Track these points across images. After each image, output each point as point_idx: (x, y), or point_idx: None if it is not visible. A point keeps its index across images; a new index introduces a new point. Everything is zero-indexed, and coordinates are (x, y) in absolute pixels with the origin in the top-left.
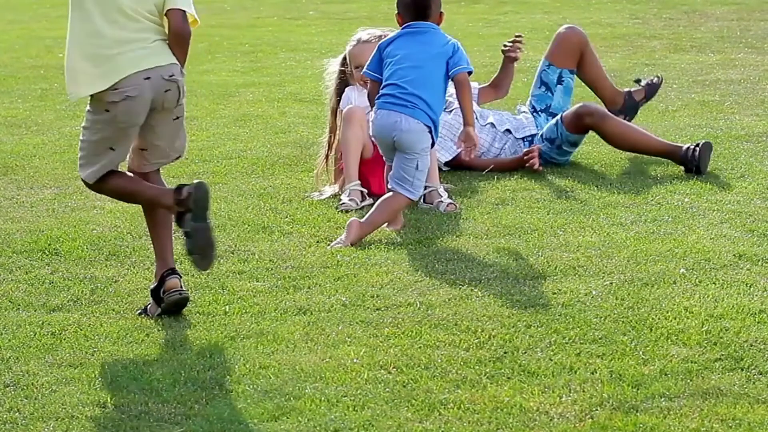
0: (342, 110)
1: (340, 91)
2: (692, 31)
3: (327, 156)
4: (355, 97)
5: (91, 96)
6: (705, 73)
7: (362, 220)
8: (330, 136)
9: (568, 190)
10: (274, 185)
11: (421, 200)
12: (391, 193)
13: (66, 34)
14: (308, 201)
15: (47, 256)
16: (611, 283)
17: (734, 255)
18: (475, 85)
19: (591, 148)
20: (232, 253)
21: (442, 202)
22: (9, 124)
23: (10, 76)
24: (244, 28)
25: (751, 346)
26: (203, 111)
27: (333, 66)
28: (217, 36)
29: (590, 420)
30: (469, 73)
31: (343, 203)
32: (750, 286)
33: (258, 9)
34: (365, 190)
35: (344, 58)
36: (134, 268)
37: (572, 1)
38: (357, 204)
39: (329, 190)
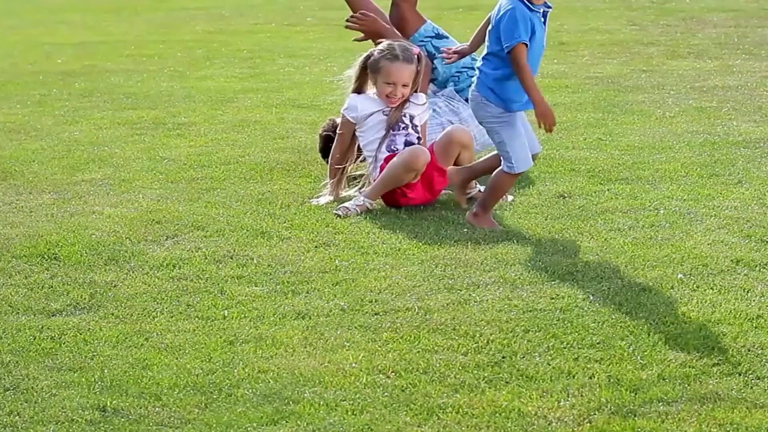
0: (362, 132)
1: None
2: (690, 37)
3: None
4: (360, 101)
5: None
6: (703, 79)
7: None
8: (345, 149)
9: (566, 195)
10: (273, 190)
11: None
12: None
13: (65, 40)
14: (306, 206)
15: (46, 260)
16: (609, 288)
17: (732, 260)
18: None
19: (589, 154)
20: (231, 258)
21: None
22: (8, 129)
23: (9, 81)
24: (242, 35)
25: (749, 351)
26: (201, 117)
27: (354, 69)
28: (216, 42)
29: (588, 424)
30: (509, 47)
31: (345, 207)
32: (747, 292)
33: (256, 15)
34: (373, 210)
35: (367, 58)
36: (133, 272)
37: (570, 8)
38: (357, 213)
39: (325, 198)
